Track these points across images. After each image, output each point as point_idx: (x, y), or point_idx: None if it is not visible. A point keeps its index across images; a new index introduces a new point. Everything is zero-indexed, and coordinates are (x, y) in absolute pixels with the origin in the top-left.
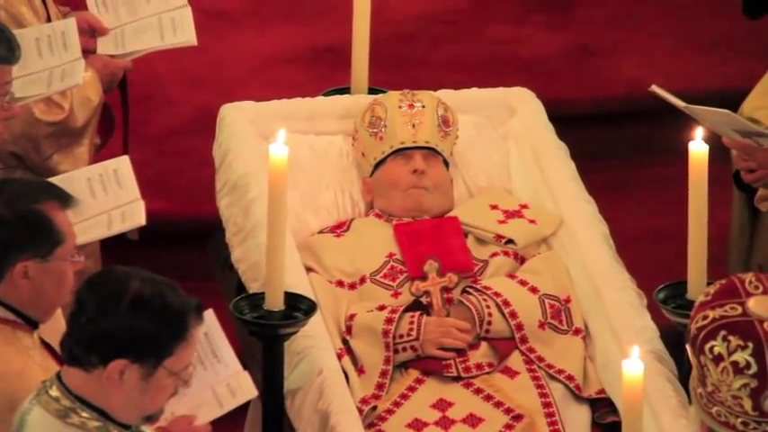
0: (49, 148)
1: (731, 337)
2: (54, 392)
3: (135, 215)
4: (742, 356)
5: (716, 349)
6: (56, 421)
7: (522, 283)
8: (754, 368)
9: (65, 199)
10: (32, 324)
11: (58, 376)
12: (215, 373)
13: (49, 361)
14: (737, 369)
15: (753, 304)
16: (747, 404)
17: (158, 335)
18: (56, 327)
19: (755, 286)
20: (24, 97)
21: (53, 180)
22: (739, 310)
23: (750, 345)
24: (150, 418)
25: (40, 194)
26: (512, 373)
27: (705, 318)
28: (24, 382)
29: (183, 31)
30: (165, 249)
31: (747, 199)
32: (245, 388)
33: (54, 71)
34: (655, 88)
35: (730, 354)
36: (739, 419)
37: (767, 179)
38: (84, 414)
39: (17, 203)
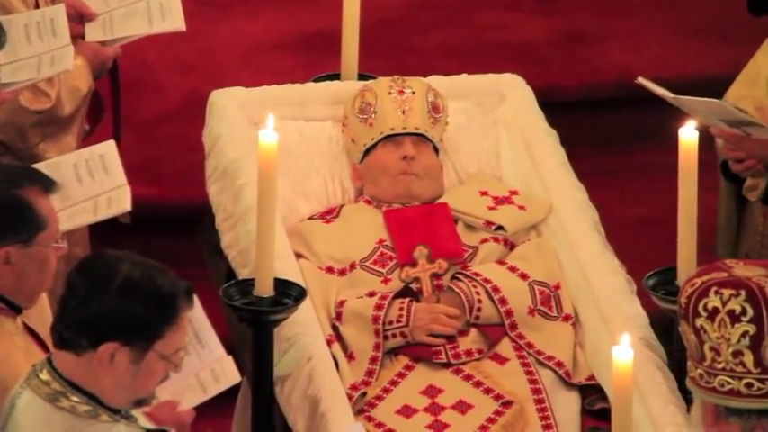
0: (36, 136)
1: (723, 290)
2: (44, 376)
3: (121, 201)
4: (737, 303)
5: (710, 304)
6: (46, 405)
7: (512, 269)
8: (750, 313)
9: (47, 184)
10: (16, 309)
11: (49, 360)
12: (199, 358)
13: (32, 346)
14: (734, 317)
15: (737, 271)
16: (749, 360)
17: (148, 318)
18: (41, 313)
19: (735, 262)
20: (13, 83)
21: (39, 166)
22: (725, 274)
23: (743, 292)
24: (141, 403)
25: (21, 180)
26: (501, 360)
27: (693, 285)
28: (7, 368)
29: (171, 17)
30: (154, 235)
31: (734, 189)
32: (228, 373)
33: (43, 57)
34: (641, 80)
35: (725, 303)
36: (743, 382)
37: (756, 168)
38: (74, 398)
39: None
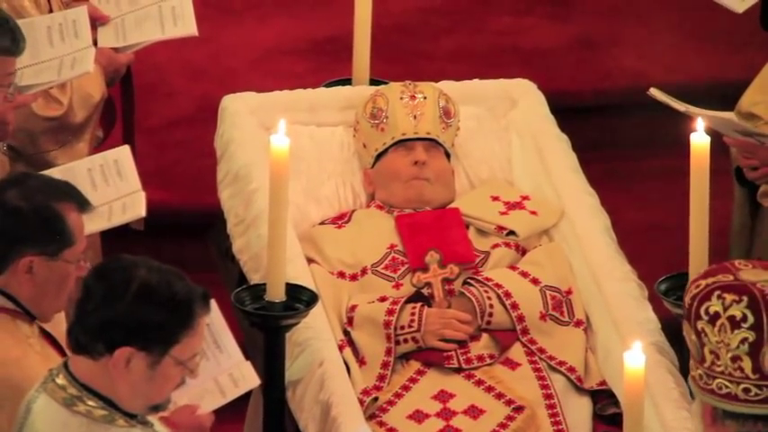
0: (47, 142)
1: (726, 295)
2: (60, 381)
3: (135, 206)
4: (738, 310)
5: (711, 309)
6: (62, 409)
7: (524, 274)
8: (750, 320)
9: (83, 203)
10: (32, 315)
11: (65, 365)
12: (217, 362)
13: (48, 350)
14: (734, 323)
15: (744, 274)
16: (747, 365)
17: (164, 323)
18: (57, 316)
19: (744, 264)
20: (35, 85)
21: (53, 171)
22: (731, 277)
23: (745, 298)
24: (157, 408)
25: (59, 193)
26: (513, 365)
27: (698, 286)
28: (23, 371)
29: (183, 22)
30: (166, 240)
31: (748, 195)
32: (247, 377)
33: (64, 59)
34: (653, 92)
35: (726, 309)
36: (740, 387)
37: None
38: (91, 402)
39: (35, 197)
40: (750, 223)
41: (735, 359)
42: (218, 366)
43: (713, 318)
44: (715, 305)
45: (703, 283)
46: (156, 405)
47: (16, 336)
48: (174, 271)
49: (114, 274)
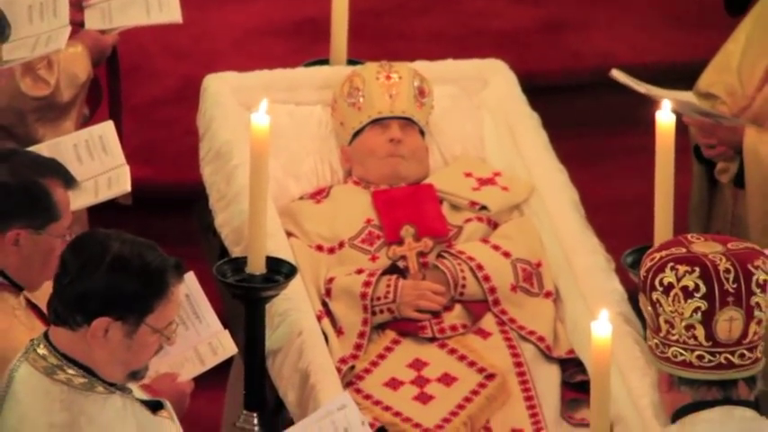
0: (35, 121)
1: (679, 266)
2: (41, 350)
3: (120, 181)
4: (691, 280)
5: (665, 280)
6: (43, 377)
7: (495, 247)
8: (702, 290)
9: (68, 179)
10: (19, 286)
11: (46, 335)
12: (196, 332)
13: (34, 321)
14: (687, 293)
15: (696, 247)
16: (700, 334)
17: (139, 293)
18: (43, 288)
19: (697, 237)
20: (8, 60)
21: (40, 147)
22: (684, 250)
23: (697, 269)
24: (135, 375)
25: (45, 169)
26: (485, 334)
27: (653, 259)
28: (9, 342)
29: (168, 9)
30: (151, 216)
31: (706, 171)
32: (225, 346)
33: (41, 37)
34: (615, 73)
35: (679, 279)
36: (695, 354)
37: (727, 154)
38: (70, 371)
39: (22, 172)
40: (708, 199)
41: (688, 328)
42: (198, 336)
43: (667, 288)
44: (668, 276)
45: (657, 255)
46: (136, 371)
47: (2, 308)
48: (146, 243)
49: (89, 247)
